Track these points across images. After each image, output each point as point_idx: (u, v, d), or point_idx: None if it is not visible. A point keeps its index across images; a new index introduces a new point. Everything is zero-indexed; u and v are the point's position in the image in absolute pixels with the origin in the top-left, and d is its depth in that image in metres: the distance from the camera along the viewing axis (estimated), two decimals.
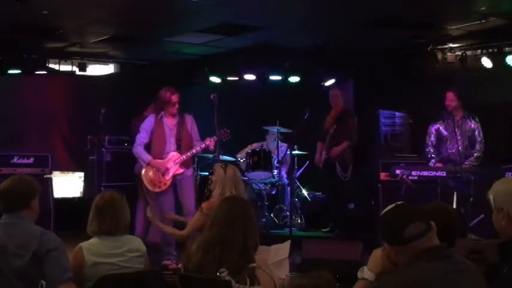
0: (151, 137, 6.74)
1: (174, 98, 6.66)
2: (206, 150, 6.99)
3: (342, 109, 8.29)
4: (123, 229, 3.73)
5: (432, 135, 7.22)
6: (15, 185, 3.47)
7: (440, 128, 7.19)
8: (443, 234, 2.63)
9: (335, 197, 8.27)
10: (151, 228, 6.93)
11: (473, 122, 7.10)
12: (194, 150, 6.74)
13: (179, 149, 6.69)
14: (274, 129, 8.86)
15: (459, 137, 6.98)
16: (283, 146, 8.84)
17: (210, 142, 6.68)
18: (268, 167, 8.53)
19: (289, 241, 4.40)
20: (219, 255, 3.25)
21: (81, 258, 3.56)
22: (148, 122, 6.80)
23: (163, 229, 5.57)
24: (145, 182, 6.70)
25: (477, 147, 7.06)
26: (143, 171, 6.73)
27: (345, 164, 8.07)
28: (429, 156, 7.20)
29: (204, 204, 5.08)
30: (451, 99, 7.07)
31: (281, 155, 8.68)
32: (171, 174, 6.64)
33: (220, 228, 3.35)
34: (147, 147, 6.77)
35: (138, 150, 6.74)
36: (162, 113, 6.73)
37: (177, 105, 6.69)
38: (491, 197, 2.87)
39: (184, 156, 6.66)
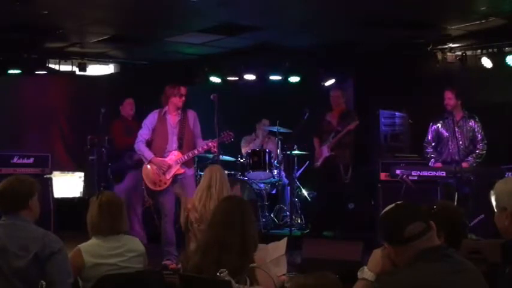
0: (152, 134, 6.70)
1: (183, 89, 6.62)
2: (207, 150, 6.97)
3: (345, 110, 8.33)
4: (123, 228, 3.73)
5: (430, 134, 7.23)
6: (11, 185, 3.43)
7: (440, 128, 7.18)
8: (450, 235, 2.62)
9: (337, 198, 8.28)
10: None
11: (473, 121, 7.10)
12: (196, 151, 6.67)
13: (180, 148, 6.63)
14: (274, 128, 8.89)
15: (459, 137, 6.97)
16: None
17: (212, 144, 6.64)
18: (268, 167, 8.54)
19: (285, 238, 4.39)
20: (218, 255, 3.24)
21: (80, 260, 3.56)
22: (151, 118, 6.73)
23: None
24: (145, 180, 6.68)
25: (479, 145, 7.05)
26: (143, 169, 6.71)
27: (347, 165, 8.12)
28: (427, 156, 7.20)
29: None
30: (449, 97, 7.07)
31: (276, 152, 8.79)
32: (172, 173, 6.60)
33: (219, 229, 3.34)
34: (148, 145, 6.74)
35: (141, 147, 6.67)
36: (166, 108, 6.68)
37: (183, 98, 6.63)
38: (493, 196, 2.87)
39: (185, 157, 6.62)
